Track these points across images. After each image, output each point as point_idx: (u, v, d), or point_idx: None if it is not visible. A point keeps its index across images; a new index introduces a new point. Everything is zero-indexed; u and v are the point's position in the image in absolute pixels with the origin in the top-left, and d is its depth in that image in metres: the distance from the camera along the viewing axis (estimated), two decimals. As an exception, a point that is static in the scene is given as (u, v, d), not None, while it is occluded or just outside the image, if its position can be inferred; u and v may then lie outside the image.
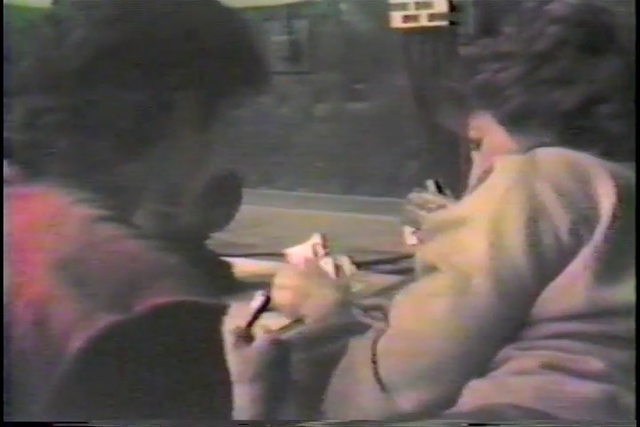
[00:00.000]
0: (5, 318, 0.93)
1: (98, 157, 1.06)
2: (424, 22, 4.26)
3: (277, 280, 1.51)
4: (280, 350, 1.34)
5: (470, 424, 1.10)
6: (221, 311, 0.99)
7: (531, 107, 1.31)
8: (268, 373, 1.32)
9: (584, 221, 1.19)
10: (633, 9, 1.35)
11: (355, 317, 1.40)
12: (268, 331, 1.37)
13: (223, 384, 1.00)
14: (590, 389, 1.14)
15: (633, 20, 1.33)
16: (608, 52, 1.29)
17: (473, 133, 1.43)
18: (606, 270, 1.17)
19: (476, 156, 1.44)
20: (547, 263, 1.19)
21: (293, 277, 1.51)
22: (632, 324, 1.16)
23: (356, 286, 1.76)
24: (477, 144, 1.42)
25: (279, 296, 1.49)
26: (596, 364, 1.15)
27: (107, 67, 1.07)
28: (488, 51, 1.36)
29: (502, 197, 1.23)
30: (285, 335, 1.39)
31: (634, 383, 1.14)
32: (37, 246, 0.96)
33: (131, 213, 1.09)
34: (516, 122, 1.34)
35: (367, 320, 1.37)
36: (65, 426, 0.90)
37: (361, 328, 1.31)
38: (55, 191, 1.03)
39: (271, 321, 1.44)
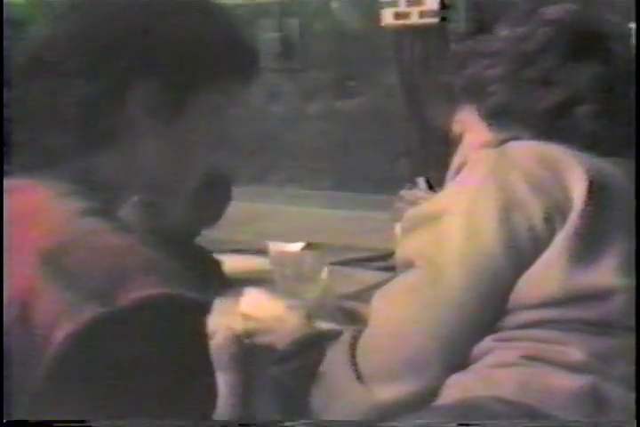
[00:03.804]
0: None
1: (58, 149, 1.07)
2: (415, 19, 4.27)
3: (242, 309, 1.51)
4: (240, 346, 1.35)
5: (459, 425, 1.11)
6: (205, 304, 1.01)
7: (512, 103, 1.34)
8: (236, 365, 1.33)
9: (557, 209, 1.20)
10: (628, 19, 1.39)
11: (323, 326, 1.42)
12: (229, 329, 1.38)
13: (206, 375, 1.01)
14: (572, 381, 1.15)
15: (626, 30, 1.36)
16: (592, 58, 1.33)
17: (456, 128, 1.46)
18: (580, 256, 1.19)
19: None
20: (522, 252, 1.21)
21: (256, 306, 1.50)
22: (607, 308, 1.18)
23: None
24: (459, 139, 1.45)
25: (246, 325, 1.49)
26: (575, 354, 1.16)
27: (59, 58, 1.07)
28: (479, 48, 1.39)
29: (475, 190, 1.25)
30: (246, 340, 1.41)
31: (614, 373, 1.15)
32: (22, 239, 0.97)
33: (115, 208, 1.09)
34: (496, 117, 1.36)
35: (337, 327, 1.39)
36: (64, 426, 0.91)
37: (333, 335, 1.33)
38: (38, 184, 1.04)
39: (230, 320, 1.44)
